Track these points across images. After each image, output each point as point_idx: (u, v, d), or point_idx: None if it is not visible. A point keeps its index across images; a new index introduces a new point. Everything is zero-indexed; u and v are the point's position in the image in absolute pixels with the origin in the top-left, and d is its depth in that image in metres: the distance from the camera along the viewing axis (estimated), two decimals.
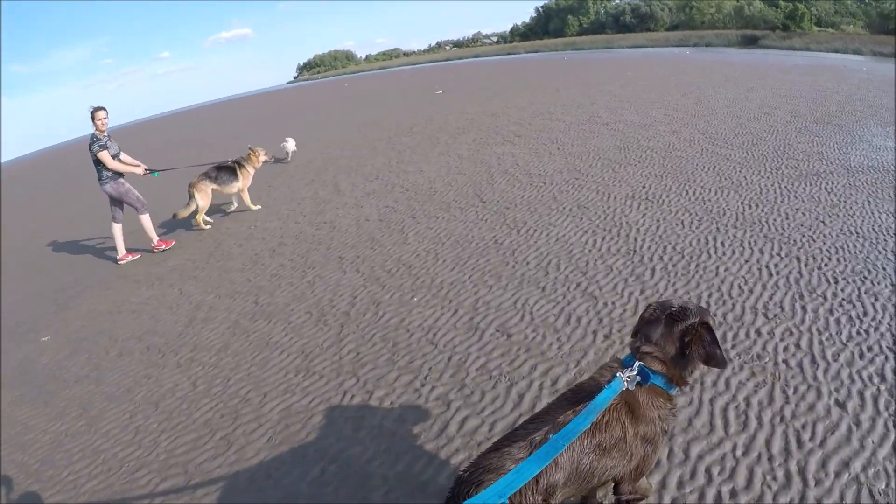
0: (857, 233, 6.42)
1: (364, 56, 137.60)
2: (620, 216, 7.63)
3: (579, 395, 1.97)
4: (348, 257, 7.33)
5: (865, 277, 5.32)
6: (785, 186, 8.24)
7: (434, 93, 28.44)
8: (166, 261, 8.49)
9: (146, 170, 8.01)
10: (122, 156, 7.72)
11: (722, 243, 6.47)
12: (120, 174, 7.57)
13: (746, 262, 5.95)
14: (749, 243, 6.40)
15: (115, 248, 8.66)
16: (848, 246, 6.12)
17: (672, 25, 65.33)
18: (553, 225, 7.59)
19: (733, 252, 6.22)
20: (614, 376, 1.89)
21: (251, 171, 9.18)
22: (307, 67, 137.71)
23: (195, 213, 8.78)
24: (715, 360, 1.91)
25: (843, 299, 4.99)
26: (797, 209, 7.30)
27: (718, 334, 2.10)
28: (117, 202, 7.79)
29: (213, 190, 8.81)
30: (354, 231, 8.30)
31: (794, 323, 4.64)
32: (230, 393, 4.63)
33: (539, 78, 28.93)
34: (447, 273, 6.30)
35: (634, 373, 1.89)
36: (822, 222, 6.82)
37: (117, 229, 8.03)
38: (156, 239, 8.29)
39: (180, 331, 6.03)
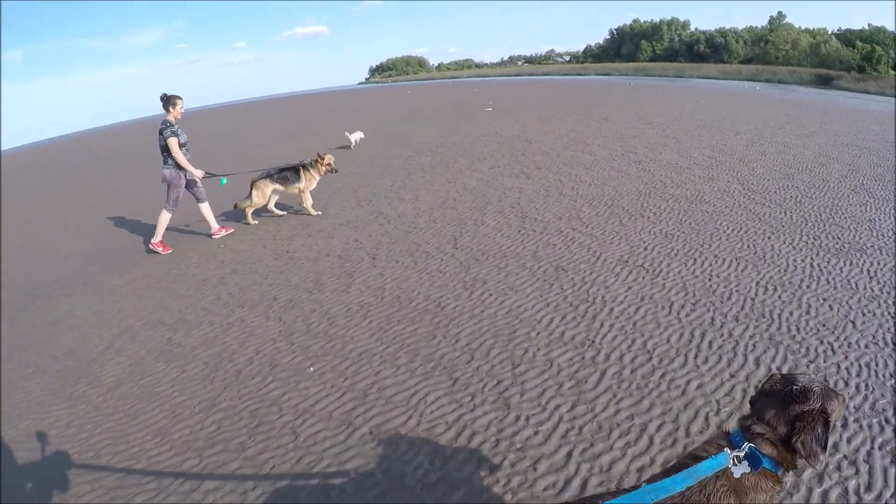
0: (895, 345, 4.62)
1: (436, 64, 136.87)
2: (599, 288, 6.18)
3: (678, 468, 1.73)
4: (282, 300, 6.45)
5: (887, 422, 3.65)
6: (818, 264, 6.58)
7: (484, 109, 27.26)
8: (132, 270, 8.21)
9: (208, 174, 8.00)
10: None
11: (710, 343, 4.90)
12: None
13: (731, 377, 4.40)
14: (745, 347, 4.81)
15: (92, 252, 8.87)
16: (877, 365, 4.46)
17: (746, 59, 62.70)
18: (515, 290, 6.19)
19: (719, 359, 4.65)
20: (721, 451, 1.70)
21: (316, 175, 9.07)
22: (379, 70, 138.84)
23: (251, 207, 9.00)
24: (812, 457, 1.67)
25: (847, 457, 3.40)
26: (825, 299, 5.63)
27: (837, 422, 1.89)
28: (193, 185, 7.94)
29: (273, 190, 8.98)
30: (308, 268, 7.37)
31: None
32: (89, 444, 4.18)
33: (595, 103, 27.30)
34: (364, 339, 5.25)
35: (742, 454, 1.69)
36: (852, 322, 5.15)
37: (205, 208, 8.31)
38: (158, 238, 8.11)
39: (93, 357, 5.58)
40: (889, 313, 5.28)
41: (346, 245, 8.04)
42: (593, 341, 5.04)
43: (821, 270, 6.36)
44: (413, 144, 17.47)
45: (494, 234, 8.29)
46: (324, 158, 9.11)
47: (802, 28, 58.55)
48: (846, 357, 4.60)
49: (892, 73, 44.43)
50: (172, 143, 7.28)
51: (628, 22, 78.87)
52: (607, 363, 4.69)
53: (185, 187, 7.77)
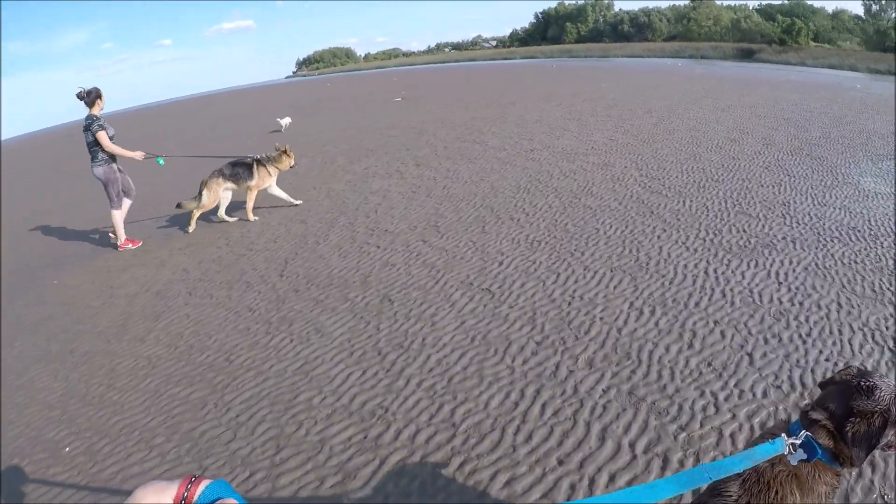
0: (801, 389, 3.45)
1: (364, 54, 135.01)
2: (424, 325, 4.81)
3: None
4: (79, 352, 5.36)
5: None
6: (715, 269, 5.36)
7: (394, 100, 25.77)
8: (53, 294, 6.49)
9: (147, 155, 7.62)
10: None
11: (542, 408, 3.55)
12: (114, 159, 7.17)
13: (559, 464, 3.06)
14: (591, 412, 3.48)
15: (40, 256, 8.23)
16: (775, 422, 2.83)
17: (670, 36, 63.58)
18: (321, 333, 4.87)
19: (548, 435, 3.30)
20: (779, 435, 1.63)
21: (272, 171, 8.12)
22: (307, 63, 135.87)
23: (199, 209, 7.99)
24: (858, 449, 1.59)
25: None
26: (716, 321, 4.40)
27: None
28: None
29: (226, 188, 7.99)
30: (122, 308, 6.22)
31: None
32: None
33: (508, 87, 26.12)
34: (134, 408, 4.23)
35: (799, 442, 1.60)
36: (749, 356, 3.91)
37: (117, 216, 7.53)
38: (122, 238, 7.65)
39: None
40: (799, 336, 4.06)
41: (171, 276, 6.80)
42: (386, 410, 3.70)
43: (717, 279, 5.12)
44: (299, 142, 15.43)
45: (332, 254, 6.82)
46: (290, 154, 8.25)
47: (724, 5, 60.41)
48: (733, 416, 3.29)
49: (813, 43, 46.15)
50: (103, 136, 6.91)
51: (553, 5, 79.10)
52: (392, 446, 3.34)
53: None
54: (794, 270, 5.16)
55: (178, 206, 8.13)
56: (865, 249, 5.56)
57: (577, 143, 11.54)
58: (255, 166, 7.92)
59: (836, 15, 53.46)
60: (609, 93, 20.29)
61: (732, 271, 5.23)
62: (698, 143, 10.81)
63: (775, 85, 20.95)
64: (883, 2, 42.59)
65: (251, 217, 8.18)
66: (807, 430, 1.64)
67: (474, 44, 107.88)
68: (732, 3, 59.09)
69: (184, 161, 11.81)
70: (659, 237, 6.23)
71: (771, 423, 3.15)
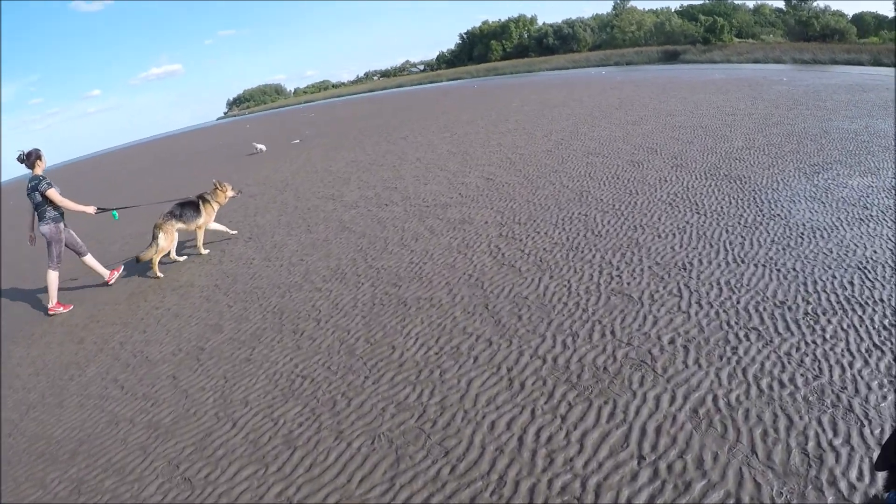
0: None
1: (293, 89, 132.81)
2: None
3: None
4: None
5: None
6: (538, 434, 3.28)
7: (292, 142, 23.59)
8: None
9: (100, 209, 7.69)
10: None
11: None
12: (62, 217, 7.11)
13: None
14: None
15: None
16: None
17: (595, 45, 63.81)
18: None
19: None
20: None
21: (215, 206, 8.27)
22: (237, 102, 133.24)
23: (158, 253, 7.75)
24: None
25: None
26: None
27: None
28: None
29: (178, 229, 7.91)
30: None
31: None
32: None
33: (409, 117, 24.65)
34: None
35: None
36: None
37: (89, 260, 7.64)
38: (54, 301, 7.28)
39: None
40: None
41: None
42: None
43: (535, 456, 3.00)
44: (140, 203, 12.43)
45: None
46: (224, 187, 8.36)
47: (646, 9, 61.13)
48: None
49: (737, 40, 46.80)
50: (54, 193, 6.89)
51: (477, 24, 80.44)
52: None
53: (66, 244, 7.25)
54: (673, 426, 3.06)
55: (138, 259, 7.96)
56: (798, 351, 3.57)
57: (444, 189, 9.53)
58: (201, 204, 8.04)
59: (758, 9, 54.59)
60: (515, 113, 18.64)
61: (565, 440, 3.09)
62: (592, 175, 8.90)
63: (698, 87, 19.67)
64: None
65: (203, 251, 8.36)
66: None
67: (402, 69, 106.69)
68: (655, 7, 59.62)
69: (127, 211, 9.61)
70: (476, 362, 4.12)
71: None
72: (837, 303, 4.09)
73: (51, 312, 7.38)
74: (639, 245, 5.69)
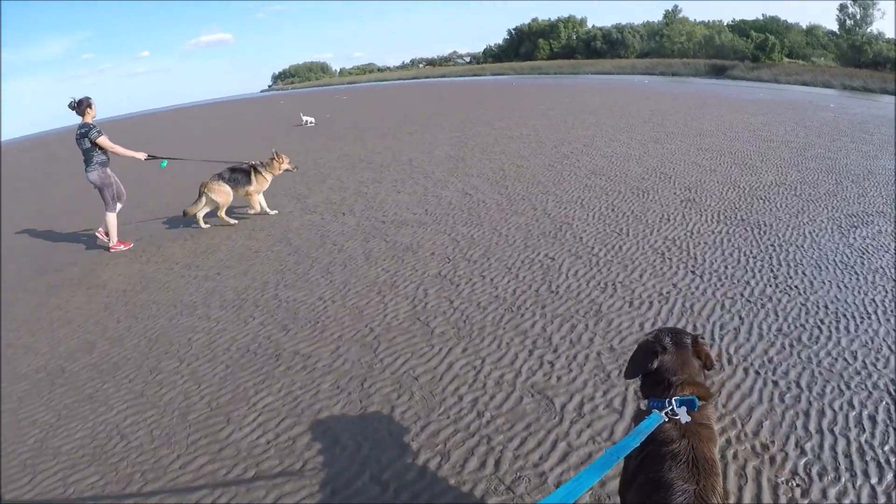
0: None
1: (339, 69, 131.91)
2: None
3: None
4: None
5: None
6: None
7: (305, 125, 22.13)
8: None
9: (150, 156, 7.72)
10: None
11: None
12: (107, 164, 7.20)
13: None
14: None
15: None
16: None
17: (642, 53, 61.11)
18: None
19: None
20: (652, 411, 1.83)
21: (268, 177, 8.13)
22: (282, 77, 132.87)
23: (213, 211, 8.03)
24: (720, 364, 2.09)
25: None
26: None
27: None
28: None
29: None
30: None
31: None
32: None
33: (433, 109, 23.35)
34: None
35: (676, 405, 1.80)
36: None
37: (111, 219, 7.48)
38: (115, 240, 7.58)
39: None
40: None
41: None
42: None
43: None
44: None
45: None
46: (281, 158, 8.15)
47: (698, 21, 58.52)
48: None
49: (786, 60, 44.42)
50: (104, 140, 7.01)
51: (527, 21, 77.94)
52: None
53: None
54: None
55: (185, 213, 8.14)
56: None
57: (414, 202, 8.33)
58: (252, 172, 7.96)
59: (811, 31, 51.94)
60: (538, 117, 17.07)
61: None
62: (584, 202, 7.54)
63: (738, 105, 17.74)
64: (857, 16, 40.72)
65: (270, 211, 8.38)
66: (674, 396, 1.84)
67: (448, 59, 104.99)
68: (706, 20, 57.36)
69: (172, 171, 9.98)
70: (303, 468, 2.97)
71: None
72: (847, 467, 2.68)
73: (112, 250, 7.62)
74: (598, 315, 4.30)
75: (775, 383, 3.25)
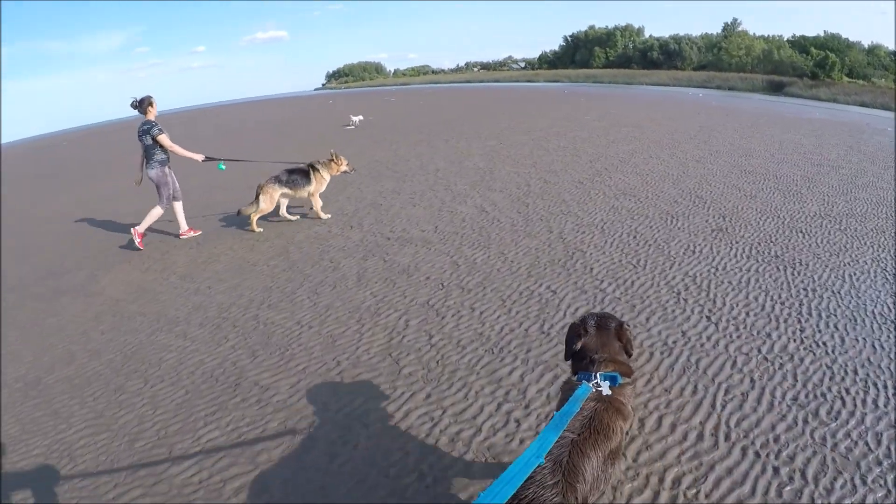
0: None
1: (393, 70, 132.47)
2: None
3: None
4: None
5: None
6: None
7: (344, 127, 21.89)
8: None
9: (207, 158, 7.84)
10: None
11: None
12: (167, 162, 7.37)
13: None
14: None
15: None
16: None
17: (699, 65, 58.87)
18: None
19: None
20: (581, 383, 2.03)
21: (327, 177, 8.07)
22: (336, 76, 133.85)
23: (258, 213, 7.86)
24: (631, 348, 2.27)
25: None
26: None
27: None
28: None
29: (282, 194, 7.92)
30: None
31: None
32: None
33: (479, 115, 22.43)
34: None
35: (600, 380, 2.02)
36: None
37: (174, 207, 7.75)
38: (184, 227, 7.93)
39: None
40: None
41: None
42: None
43: None
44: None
45: None
46: (340, 160, 8.11)
47: (757, 35, 55.97)
48: None
49: (846, 79, 42.17)
50: (164, 138, 7.19)
51: (584, 28, 76.50)
52: None
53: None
54: None
55: (239, 212, 8.08)
56: None
57: (426, 218, 8.00)
58: (311, 172, 7.88)
59: (872, 50, 49.00)
60: (580, 128, 16.36)
61: None
62: (606, 226, 7.04)
63: (791, 124, 16.65)
64: None
65: (322, 216, 8.25)
66: (598, 371, 2.10)
67: (503, 64, 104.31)
68: (766, 34, 54.81)
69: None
70: None
71: None
72: None
73: (182, 237, 7.91)
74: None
75: (776, 471, 2.70)
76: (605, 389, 1.99)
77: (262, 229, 7.81)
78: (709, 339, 3.96)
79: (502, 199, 8.33)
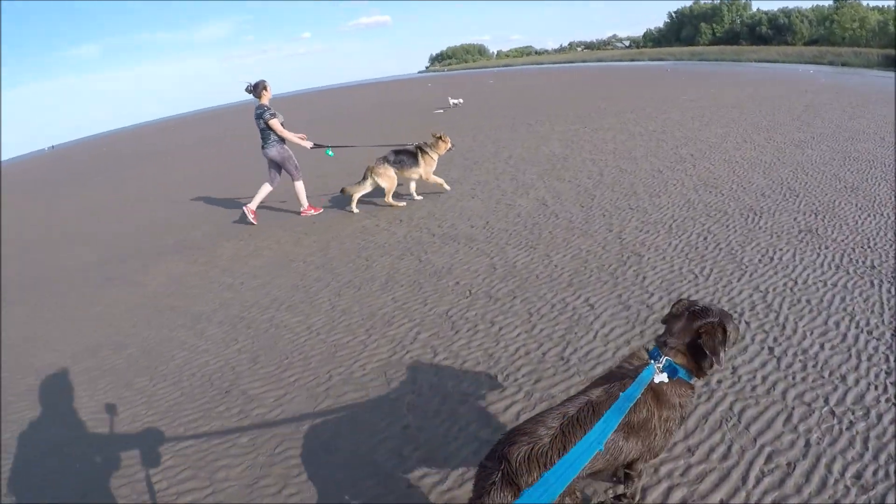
0: None
1: (496, 52, 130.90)
2: None
3: (611, 379, 1.98)
4: None
5: None
6: None
7: (434, 111, 21.51)
8: None
9: (316, 145, 8.05)
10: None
11: None
12: (284, 141, 7.57)
13: None
14: None
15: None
16: None
17: (811, 40, 52.98)
18: None
19: None
20: (645, 364, 1.94)
21: (435, 157, 8.11)
22: (439, 59, 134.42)
23: (382, 193, 8.02)
24: (715, 354, 1.93)
25: None
26: None
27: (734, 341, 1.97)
28: (276, 167, 7.78)
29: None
30: None
31: None
32: None
33: (562, 98, 20.98)
34: None
35: (662, 365, 1.92)
36: None
37: (266, 188, 7.95)
38: (306, 204, 8.10)
39: None
40: None
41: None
42: None
43: None
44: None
45: None
46: (445, 139, 8.07)
47: (871, 5, 49.67)
48: None
49: None
50: (275, 123, 7.34)
51: (688, 4, 71.36)
52: None
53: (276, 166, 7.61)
54: None
55: (343, 191, 8.17)
56: None
57: (480, 212, 7.47)
58: (419, 154, 7.90)
59: None
60: (673, 109, 14.93)
61: None
62: (674, 225, 6.08)
63: None
64: None
65: (447, 186, 8.34)
66: (665, 356, 1.94)
67: (607, 43, 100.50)
68: (880, 5, 48.61)
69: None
70: None
71: None
72: None
73: (303, 214, 8.12)
74: None
75: None
76: (659, 377, 1.88)
77: (358, 210, 7.92)
78: (764, 379, 3.13)
79: (568, 191, 7.59)
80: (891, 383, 2.93)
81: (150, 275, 6.38)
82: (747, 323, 3.71)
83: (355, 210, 7.91)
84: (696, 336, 1.95)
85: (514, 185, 8.27)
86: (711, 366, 1.98)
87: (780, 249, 4.90)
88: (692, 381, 2.01)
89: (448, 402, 3.20)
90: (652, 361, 1.92)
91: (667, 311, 2.78)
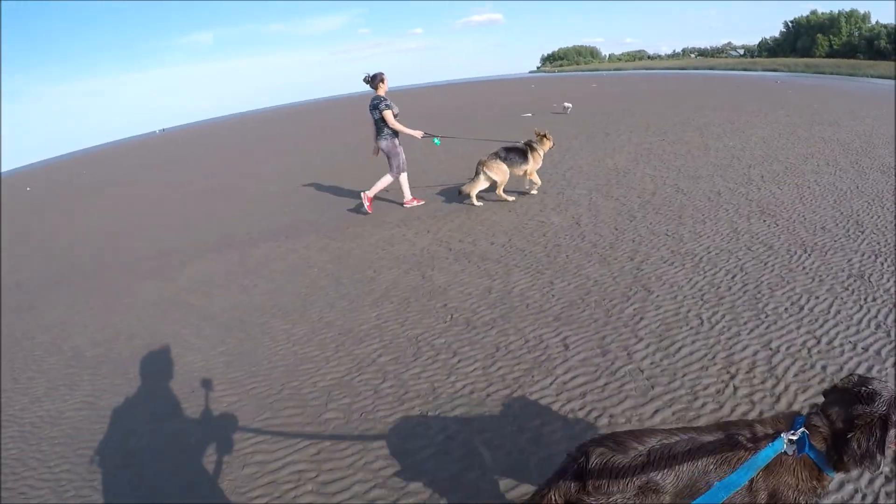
0: None
1: (608, 55, 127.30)
2: None
3: (733, 436, 1.74)
4: None
5: None
6: None
7: (522, 115, 20.91)
8: None
9: (426, 134, 8.23)
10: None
11: None
12: (396, 135, 7.70)
13: None
14: None
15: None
16: None
17: None
18: None
19: None
20: (778, 435, 1.68)
21: (541, 154, 8.29)
22: (550, 59, 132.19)
23: (492, 188, 8.17)
24: (868, 458, 1.59)
25: None
26: None
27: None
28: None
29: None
30: None
31: None
32: None
33: (649, 108, 19.19)
34: None
35: (796, 437, 1.64)
36: None
37: (399, 178, 8.12)
38: (409, 196, 8.33)
39: None
40: None
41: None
42: None
43: None
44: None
45: None
46: (550, 137, 8.25)
47: None
48: None
49: None
50: (388, 115, 7.47)
51: (805, 13, 68.43)
52: None
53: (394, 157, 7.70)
54: None
55: (460, 192, 8.29)
56: None
57: (509, 226, 7.20)
58: (528, 152, 7.97)
59: None
60: (765, 126, 13.41)
61: None
62: (705, 259, 5.51)
63: None
64: None
65: (534, 191, 8.39)
66: (806, 430, 1.67)
67: (721, 51, 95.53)
68: None
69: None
70: None
71: None
72: None
73: (406, 205, 8.27)
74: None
75: None
76: (788, 449, 1.62)
77: (481, 203, 7.99)
78: None
79: (609, 210, 7.21)
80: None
81: (187, 272, 6.73)
82: (735, 388, 3.26)
83: (476, 203, 8.00)
84: (850, 425, 1.64)
85: (556, 201, 7.95)
86: (859, 465, 1.65)
87: (816, 297, 4.28)
88: (828, 473, 1.71)
89: (365, 438, 3.08)
90: (783, 435, 1.65)
91: (661, 360, 3.13)
